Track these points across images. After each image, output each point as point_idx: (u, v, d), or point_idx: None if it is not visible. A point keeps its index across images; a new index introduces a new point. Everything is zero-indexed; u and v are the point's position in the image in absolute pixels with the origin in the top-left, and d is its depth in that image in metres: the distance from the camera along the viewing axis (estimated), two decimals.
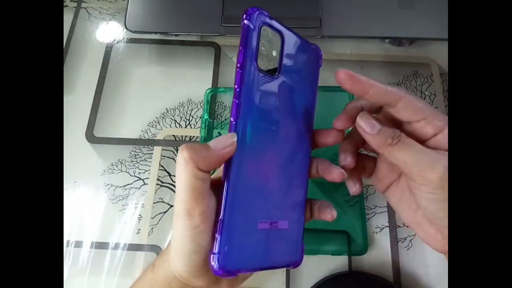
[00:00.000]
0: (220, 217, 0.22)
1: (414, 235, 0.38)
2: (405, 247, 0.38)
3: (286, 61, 0.24)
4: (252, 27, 0.22)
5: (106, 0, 0.50)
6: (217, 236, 0.21)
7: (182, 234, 0.21)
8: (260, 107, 0.23)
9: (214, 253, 0.21)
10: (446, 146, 0.22)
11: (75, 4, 0.50)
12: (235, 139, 0.22)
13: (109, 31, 0.48)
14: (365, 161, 0.28)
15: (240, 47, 0.22)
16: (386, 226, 0.39)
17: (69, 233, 0.39)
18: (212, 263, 0.21)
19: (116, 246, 0.38)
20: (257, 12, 0.23)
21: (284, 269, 0.37)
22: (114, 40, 0.48)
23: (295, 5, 0.42)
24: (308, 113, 0.26)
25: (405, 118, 0.23)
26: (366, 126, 0.23)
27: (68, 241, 0.38)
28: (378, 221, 0.39)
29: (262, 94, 0.23)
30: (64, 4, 0.50)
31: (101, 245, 0.38)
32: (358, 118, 0.24)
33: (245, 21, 0.22)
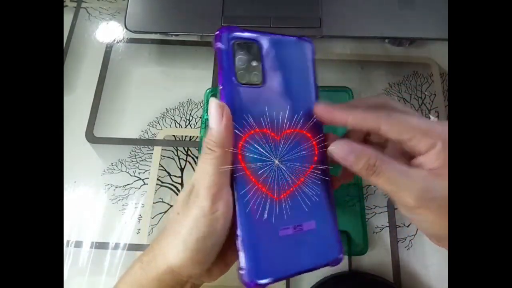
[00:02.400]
0: (238, 232, 0.22)
1: (414, 235, 0.38)
2: (405, 247, 0.38)
3: (269, 67, 0.24)
4: (223, 47, 0.23)
5: (106, 0, 0.50)
6: (240, 252, 0.22)
7: (198, 219, 0.22)
8: (252, 118, 0.23)
9: (241, 269, 0.22)
10: (435, 164, 0.22)
11: (75, 4, 0.50)
12: (226, 108, 0.22)
13: (109, 31, 0.48)
14: None
15: (218, 69, 0.23)
16: (386, 226, 0.39)
17: (69, 233, 0.39)
18: (243, 278, 0.22)
19: (116, 246, 0.38)
20: (226, 32, 0.23)
21: None
22: (114, 40, 0.48)
23: (295, 5, 0.42)
24: (309, 107, 0.25)
25: (394, 139, 0.23)
26: (340, 153, 0.23)
27: (68, 241, 0.38)
28: (378, 221, 0.39)
29: (251, 105, 0.23)
30: (64, 4, 0.50)
31: (101, 245, 0.38)
32: (331, 146, 0.23)
33: (217, 44, 0.23)
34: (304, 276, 0.37)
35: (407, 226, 0.39)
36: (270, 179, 0.23)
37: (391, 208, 0.39)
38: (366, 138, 0.27)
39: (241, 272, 0.22)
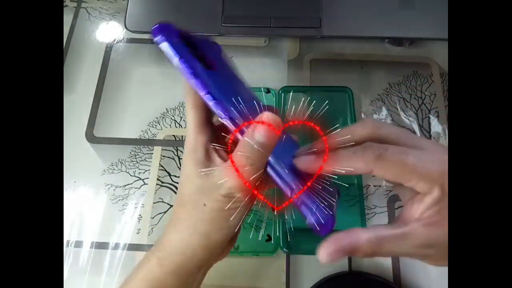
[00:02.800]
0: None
1: None
2: None
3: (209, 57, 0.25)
4: (176, 40, 0.24)
5: (106, 0, 0.50)
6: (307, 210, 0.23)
7: (214, 213, 0.23)
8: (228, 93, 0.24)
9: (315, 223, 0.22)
10: (431, 210, 0.21)
11: (75, 4, 0.50)
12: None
13: (109, 31, 0.48)
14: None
15: (180, 63, 0.24)
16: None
17: (69, 233, 0.39)
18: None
19: (116, 246, 0.38)
20: (167, 26, 0.24)
21: (284, 268, 0.37)
22: (114, 40, 0.48)
23: (295, 5, 0.42)
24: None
25: (390, 181, 0.22)
26: (329, 259, 0.22)
27: (68, 241, 0.38)
28: (378, 221, 0.39)
29: (222, 84, 0.24)
30: (64, 4, 0.50)
31: (101, 245, 0.38)
32: (319, 253, 0.22)
33: (166, 39, 0.23)
34: (304, 276, 0.37)
35: None
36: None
37: (391, 208, 0.39)
38: None
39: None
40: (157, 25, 0.23)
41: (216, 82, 0.23)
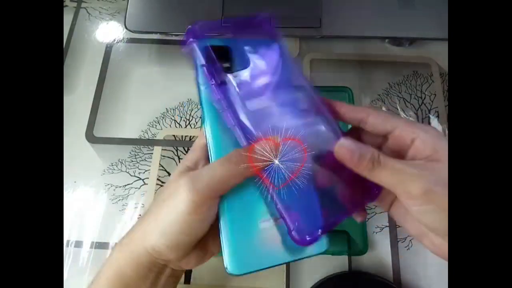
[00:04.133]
0: (219, 224, 0.23)
1: None
2: (405, 247, 0.38)
3: (238, 69, 0.25)
4: (201, 47, 0.25)
5: (106, 0, 0.50)
6: (222, 242, 0.23)
7: (178, 216, 0.22)
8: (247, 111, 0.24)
9: (223, 254, 0.23)
10: (425, 151, 0.22)
11: (75, 4, 0.50)
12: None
13: (109, 31, 0.48)
14: None
15: (203, 66, 0.25)
16: (386, 226, 0.39)
17: (69, 233, 0.39)
18: (225, 264, 0.23)
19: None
20: (200, 41, 0.25)
21: (284, 269, 0.37)
22: (114, 40, 0.48)
23: (295, 5, 0.42)
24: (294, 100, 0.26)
25: (380, 131, 0.24)
26: (345, 154, 0.23)
27: (68, 241, 0.38)
28: (378, 221, 0.39)
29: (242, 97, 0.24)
30: (64, 4, 0.50)
31: (101, 245, 0.38)
32: (336, 147, 0.23)
33: (195, 43, 0.25)
34: (304, 276, 0.37)
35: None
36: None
37: None
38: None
39: (224, 258, 0.23)
40: (192, 26, 0.25)
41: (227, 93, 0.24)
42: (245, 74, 0.25)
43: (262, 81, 0.25)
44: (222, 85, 0.24)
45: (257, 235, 0.23)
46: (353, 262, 0.38)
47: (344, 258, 0.38)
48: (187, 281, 0.37)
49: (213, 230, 0.24)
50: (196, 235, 0.23)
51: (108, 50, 0.47)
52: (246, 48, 0.26)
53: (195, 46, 0.25)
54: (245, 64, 0.25)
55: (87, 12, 0.49)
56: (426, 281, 0.37)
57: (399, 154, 0.24)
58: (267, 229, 0.23)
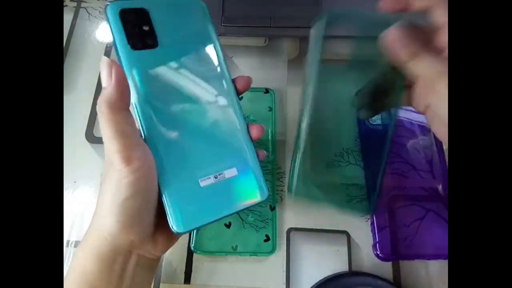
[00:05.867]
0: (160, 188, 0.23)
1: (414, 235, 0.38)
2: (405, 247, 0.38)
3: (162, 31, 0.26)
4: (109, 17, 0.25)
5: (106, 0, 0.50)
6: (163, 201, 0.23)
7: (119, 182, 0.21)
8: (152, 77, 0.25)
9: (167, 216, 0.23)
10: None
11: (75, 4, 0.50)
12: (114, 63, 0.23)
13: (109, 31, 0.48)
14: None
15: (112, 40, 0.25)
16: (386, 226, 0.39)
17: (69, 233, 0.39)
18: (169, 225, 0.23)
19: None
20: (110, 4, 0.25)
21: (284, 268, 0.37)
22: None
23: (295, 5, 0.42)
24: (215, 63, 0.27)
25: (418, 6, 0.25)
26: (394, 38, 0.24)
27: (68, 241, 0.38)
28: (379, 221, 0.39)
29: (149, 67, 0.25)
30: (64, 4, 0.50)
31: None
32: (387, 31, 0.25)
33: (106, 17, 0.25)
34: (304, 276, 0.37)
35: (407, 226, 0.39)
36: (179, 135, 0.25)
37: (391, 208, 0.39)
38: None
39: (167, 218, 0.23)
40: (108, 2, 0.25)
41: (133, 63, 0.25)
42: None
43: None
44: (127, 59, 0.25)
45: (198, 192, 0.24)
46: (353, 262, 0.38)
47: (344, 258, 0.38)
48: (187, 281, 0.37)
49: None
50: (144, 196, 0.22)
51: (108, 50, 0.47)
52: (165, 8, 0.26)
53: (107, 11, 0.25)
54: (166, 29, 0.26)
55: (87, 12, 0.49)
56: (426, 281, 0.37)
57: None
58: (207, 186, 0.24)
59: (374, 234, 0.38)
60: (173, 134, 0.24)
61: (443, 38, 0.24)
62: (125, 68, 0.24)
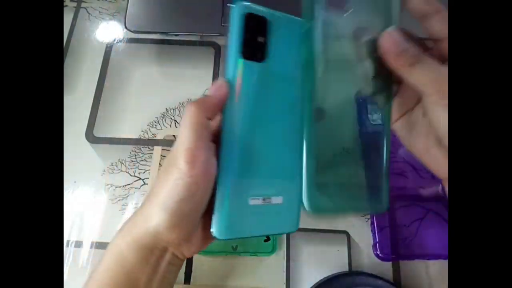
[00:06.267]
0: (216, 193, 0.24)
1: (415, 235, 0.38)
2: (405, 247, 0.38)
3: (274, 45, 0.25)
4: (233, 16, 0.24)
5: (106, 0, 0.50)
6: (215, 206, 0.24)
7: (177, 181, 0.22)
8: (246, 90, 0.25)
9: (212, 220, 0.24)
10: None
11: (75, 4, 0.50)
12: (224, 82, 0.24)
13: (109, 31, 0.48)
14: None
15: (228, 38, 0.25)
16: (386, 226, 0.39)
17: (69, 233, 0.39)
18: (211, 229, 0.24)
19: None
20: (238, 4, 0.24)
21: (284, 269, 0.37)
22: (114, 40, 0.48)
23: (295, 5, 0.42)
24: (305, 91, 0.26)
25: (435, 36, 0.24)
26: (391, 44, 0.23)
27: (68, 241, 0.38)
28: (379, 221, 0.39)
29: (247, 79, 0.25)
30: (64, 4, 0.50)
31: (101, 245, 0.38)
32: (383, 35, 0.23)
33: (231, 13, 0.25)
34: (304, 276, 0.37)
35: (407, 226, 0.39)
36: (253, 154, 0.25)
37: (391, 208, 0.39)
38: None
39: (212, 221, 0.24)
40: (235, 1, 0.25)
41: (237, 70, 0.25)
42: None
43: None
44: (233, 65, 0.25)
45: (246, 209, 0.25)
46: (353, 262, 0.38)
47: (344, 258, 0.38)
48: (187, 281, 0.37)
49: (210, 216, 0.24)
50: (197, 201, 0.23)
51: (108, 50, 0.47)
52: (286, 25, 0.26)
53: (233, 9, 0.25)
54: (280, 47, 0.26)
55: (87, 12, 0.49)
56: (426, 281, 0.37)
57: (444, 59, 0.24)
58: (254, 205, 0.25)
59: (374, 234, 0.38)
60: (245, 146, 0.25)
61: (444, 45, 0.23)
62: (228, 71, 0.25)
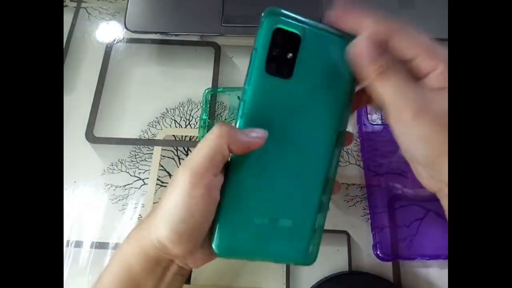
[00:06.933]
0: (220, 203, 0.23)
1: (414, 235, 0.38)
2: (405, 247, 0.38)
3: (303, 63, 0.24)
4: (262, 28, 0.23)
5: (106, 0, 0.50)
6: (216, 221, 0.23)
7: (177, 201, 0.22)
8: (266, 107, 0.23)
9: (212, 236, 0.23)
10: (437, 85, 0.22)
11: (75, 4, 0.50)
12: (266, 135, 0.23)
13: (109, 31, 0.48)
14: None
15: (253, 48, 0.23)
16: (386, 226, 0.39)
17: (69, 233, 0.39)
18: (212, 244, 0.23)
19: (116, 246, 0.38)
20: (270, 16, 0.23)
21: (284, 268, 0.37)
22: (114, 40, 0.48)
23: (295, 5, 0.42)
24: (332, 113, 0.25)
25: (400, 54, 0.22)
26: (360, 51, 0.22)
27: (68, 241, 0.38)
28: (378, 221, 0.39)
29: (269, 95, 0.23)
30: (64, 4, 0.50)
31: (101, 245, 0.38)
32: (352, 43, 0.22)
33: (261, 23, 0.23)
34: (304, 276, 0.37)
35: (407, 226, 0.39)
36: (265, 171, 0.24)
37: (391, 208, 0.39)
38: None
39: (211, 237, 0.24)
40: (268, 8, 0.24)
41: (264, 90, 0.23)
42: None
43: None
44: (254, 78, 0.23)
45: (249, 226, 0.24)
46: (353, 262, 0.38)
47: (344, 258, 0.38)
48: (187, 281, 0.37)
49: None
50: (197, 221, 0.23)
51: (108, 50, 0.47)
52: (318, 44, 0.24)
53: (263, 21, 0.23)
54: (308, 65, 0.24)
55: (87, 12, 0.49)
56: (426, 281, 0.37)
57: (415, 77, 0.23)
58: (260, 225, 0.24)
59: (374, 234, 0.38)
60: (258, 163, 0.24)
61: (424, 65, 0.22)
62: (248, 84, 0.23)
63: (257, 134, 0.23)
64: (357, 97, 0.26)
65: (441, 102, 0.21)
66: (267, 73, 0.23)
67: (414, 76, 0.22)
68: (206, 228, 0.24)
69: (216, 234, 0.23)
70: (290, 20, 0.23)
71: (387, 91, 0.22)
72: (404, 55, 0.22)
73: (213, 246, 0.23)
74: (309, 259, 0.25)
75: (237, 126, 0.24)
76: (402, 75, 0.22)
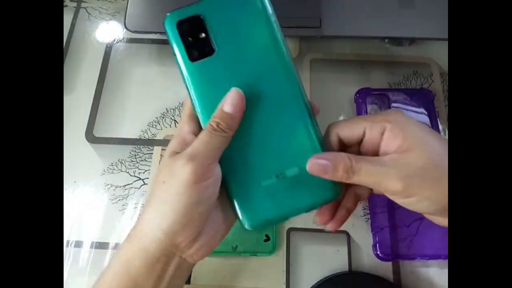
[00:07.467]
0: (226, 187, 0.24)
1: (414, 235, 0.38)
2: (405, 247, 0.38)
3: (218, 33, 0.25)
4: (167, 31, 0.25)
5: (106, 0, 0.50)
6: (231, 202, 0.24)
7: (190, 185, 0.22)
8: (216, 89, 0.24)
9: (237, 217, 0.25)
10: (396, 142, 0.23)
11: (75, 4, 0.50)
12: (239, 92, 0.24)
13: (109, 31, 0.48)
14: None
15: (172, 54, 0.25)
16: (386, 226, 0.39)
17: (69, 233, 0.39)
18: (244, 226, 0.24)
19: (116, 246, 0.38)
20: (168, 16, 0.25)
21: (284, 269, 0.37)
22: (114, 40, 0.48)
23: (295, 5, 0.42)
24: (273, 56, 0.25)
25: (354, 139, 0.25)
26: (319, 171, 0.24)
27: (68, 241, 0.38)
28: (378, 221, 0.39)
29: (210, 77, 0.25)
30: (64, 4, 0.50)
31: (101, 245, 0.38)
32: (308, 165, 0.24)
33: (164, 29, 0.25)
34: (304, 276, 0.37)
35: (407, 226, 0.39)
36: (246, 138, 0.25)
37: (391, 208, 0.39)
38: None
39: (238, 217, 0.25)
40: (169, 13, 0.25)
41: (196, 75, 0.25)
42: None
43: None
44: (187, 73, 0.25)
45: (265, 192, 0.24)
46: (353, 262, 0.38)
47: (344, 258, 0.38)
48: (187, 281, 0.37)
49: (219, 219, 0.25)
50: (205, 205, 0.23)
51: (108, 50, 0.47)
52: (222, 12, 0.25)
53: (165, 24, 0.25)
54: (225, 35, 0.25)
55: (87, 12, 0.49)
56: (426, 281, 0.37)
57: (375, 151, 0.25)
58: (271, 186, 0.25)
59: (374, 234, 0.38)
60: (241, 134, 0.24)
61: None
62: (187, 81, 0.25)
63: (234, 101, 0.24)
64: (349, 197, 0.27)
65: (414, 159, 0.22)
66: (194, 63, 0.25)
67: (375, 152, 0.24)
68: (209, 212, 0.24)
69: (239, 214, 0.24)
70: (184, 10, 0.25)
71: (366, 179, 0.23)
72: (356, 134, 0.25)
73: (246, 226, 0.24)
74: (336, 191, 0.25)
75: (202, 124, 0.25)
76: (368, 160, 0.23)
